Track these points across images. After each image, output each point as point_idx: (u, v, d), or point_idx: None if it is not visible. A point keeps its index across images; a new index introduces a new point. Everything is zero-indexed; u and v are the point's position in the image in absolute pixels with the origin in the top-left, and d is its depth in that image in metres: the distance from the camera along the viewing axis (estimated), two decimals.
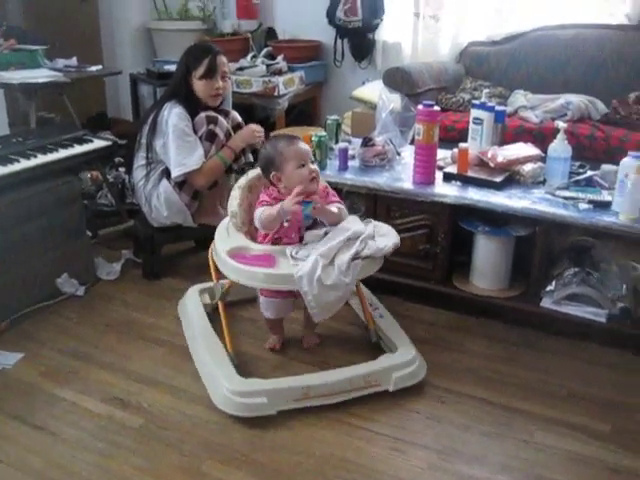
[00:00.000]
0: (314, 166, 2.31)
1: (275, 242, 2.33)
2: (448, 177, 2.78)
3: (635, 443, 2.06)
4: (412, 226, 2.77)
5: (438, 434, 2.09)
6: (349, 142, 3.15)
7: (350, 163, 2.95)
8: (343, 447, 2.02)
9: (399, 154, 3.04)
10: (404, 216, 2.77)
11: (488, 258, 2.71)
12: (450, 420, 2.15)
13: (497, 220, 2.66)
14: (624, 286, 2.63)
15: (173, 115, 2.83)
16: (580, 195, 2.59)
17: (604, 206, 2.52)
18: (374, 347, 2.47)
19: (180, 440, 2.04)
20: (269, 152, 2.32)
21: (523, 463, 1.98)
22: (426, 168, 2.73)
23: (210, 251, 2.48)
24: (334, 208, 2.32)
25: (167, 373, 2.37)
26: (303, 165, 2.27)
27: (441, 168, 2.84)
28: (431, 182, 2.74)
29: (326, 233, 2.28)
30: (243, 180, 2.48)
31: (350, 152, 2.97)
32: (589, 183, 2.72)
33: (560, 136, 2.74)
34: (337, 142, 3.09)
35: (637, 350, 2.50)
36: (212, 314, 2.57)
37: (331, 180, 2.75)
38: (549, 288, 2.64)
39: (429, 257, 2.77)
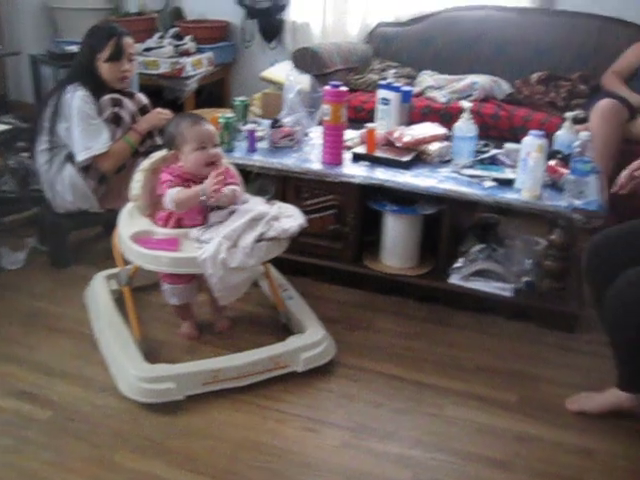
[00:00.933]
0: (215, 150, 2.29)
1: (178, 225, 2.29)
2: (356, 157, 2.79)
3: (539, 411, 2.14)
4: (321, 207, 2.77)
5: (350, 412, 2.11)
6: (257, 123, 3.12)
7: (259, 145, 2.92)
8: (256, 429, 2.02)
9: (307, 135, 3.03)
10: (313, 197, 2.77)
11: (397, 237, 2.74)
12: (362, 398, 2.17)
13: (405, 199, 2.69)
14: (528, 261, 2.71)
15: (77, 98, 2.74)
16: (484, 173, 2.64)
17: (507, 184, 2.59)
18: (284, 329, 2.47)
19: (91, 432, 1.99)
20: (171, 130, 2.32)
21: (435, 437, 2.01)
22: (334, 149, 2.73)
23: (114, 236, 2.41)
24: (226, 190, 2.27)
25: (76, 363, 2.31)
26: (203, 148, 2.25)
27: (349, 148, 2.85)
28: (339, 163, 2.75)
29: (231, 213, 2.26)
30: (146, 163, 2.43)
31: (259, 134, 2.95)
32: (493, 161, 2.78)
33: (465, 115, 2.79)
34: (245, 124, 3.06)
35: (541, 322, 2.59)
36: (119, 301, 2.50)
37: (239, 162, 2.73)
38: (456, 265, 2.70)
39: (339, 237, 2.79)
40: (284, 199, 2.70)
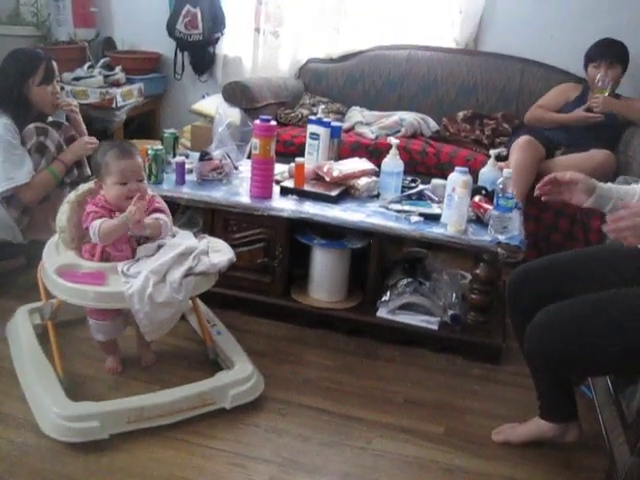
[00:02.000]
0: (136, 186, 2.22)
1: (105, 259, 2.25)
2: (285, 191, 2.80)
3: (465, 443, 2.16)
4: (250, 240, 2.77)
5: (278, 446, 2.09)
6: (186, 156, 3.11)
7: (188, 177, 2.90)
8: (182, 466, 1.98)
9: (236, 168, 3.03)
10: (242, 230, 2.77)
11: (325, 270, 2.75)
12: (289, 432, 2.16)
13: (333, 233, 2.71)
14: (454, 294, 2.75)
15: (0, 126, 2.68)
16: (412, 208, 2.69)
17: (434, 218, 2.64)
18: (213, 364, 2.43)
19: (8, 471, 1.91)
20: (97, 159, 2.27)
21: (362, 470, 2.01)
22: (263, 182, 2.74)
23: (39, 269, 2.35)
24: (149, 220, 2.24)
25: None
26: (124, 183, 2.21)
27: (278, 182, 2.86)
28: (268, 196, 2.75)
29: (160, 247, 2.23)
30: (72, 195, 2.37)
31: (188, 166, 2.93)
32: (420, 197, 2.83)
33: (392, 151, 2.84)
34: (174, 156, 3.05)
35: (467, 354, 2.63)
36: (44, 335, 2.42)
37: (168, 194, 2.71)
38: (384, 298, 2.72)
39: (267, 271, 2.78)
40: (212, 232, 2.69)
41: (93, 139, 2.94)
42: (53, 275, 2.15)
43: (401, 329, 2.68)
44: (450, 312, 2.69)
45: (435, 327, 2.67)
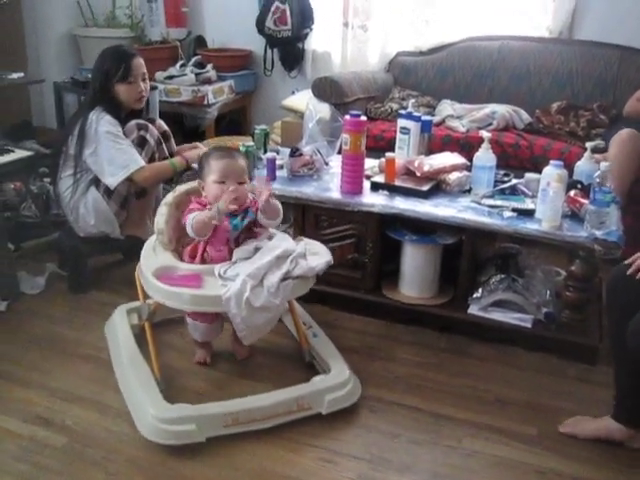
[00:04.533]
0: (234, 186, 2.21)
1: (204, 260, 2.28)
2: (375, 186, 2.80)
3: (559, 445, 2.11)
4: (340, 235, 2.77)
5: (368, 443, 2.09)
6: (277, 152, 3.14)
7: (278, 173, 2.94)
8: (273, 460, 2.01)
9: (327, 164, 3.04)
10: (332, 226, 2.78)
11: (416, 266, 2.73)
12: (380, 429, 2.16)
13: (424, 229, 2.69)
14: (548, 292, 2.69)
15: (103, 122, 2.79)
16: (504, 203, 2.63)
17: (527, 214, 2.58)
18: (308, 366, 2.44)
19: (106, 458, 1.99)
20: (202, 160, 2.32)
21: (452, 469, 2.00)
22: (353, 178, 2.74)
23: (137, 270, 2.39)
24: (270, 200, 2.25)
25: (92, 389, 2.31)
26: (223, 182, 2.22)
27: (369, 177, 2.86)
28: (359, 192, 2.75)
29: (257, 249, 2.22)
30: (170, 197, 2.39)
31: (278, 162, 2.97)
32: (513, 191, 2.77)
33: (485, 145, 2.79)
34: (265, 152, 3.09)
35: (561, 354, 2.56)
36: (141, 335, 2.45)
37: None
38: (476, 295, 2.69)
39: (358, 266, 2.79)
40: (303, 228, 2.71)
41: None
42: (150, 277, 2.17)
43: (493, 327, 2.63)
44: (544, 310, 2.63)
45: (529, 325, 2.61)
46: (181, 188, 2.43)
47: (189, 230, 2.21)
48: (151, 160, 2.90)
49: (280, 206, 2.31)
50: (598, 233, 2.41)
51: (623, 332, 1.89)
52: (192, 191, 2.39)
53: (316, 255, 2.27)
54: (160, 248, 2.33)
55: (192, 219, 2.19)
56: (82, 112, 2.91)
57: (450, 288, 2.79)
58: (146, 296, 2.34)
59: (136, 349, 2.40)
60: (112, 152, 2.78)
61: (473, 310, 2.67)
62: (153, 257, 2.30)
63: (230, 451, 2.03)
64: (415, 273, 2.74)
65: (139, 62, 2.91)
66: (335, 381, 2.23)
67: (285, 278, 2.13)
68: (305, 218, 2.80)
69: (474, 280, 2.75)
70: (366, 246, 2.75)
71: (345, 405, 2.21)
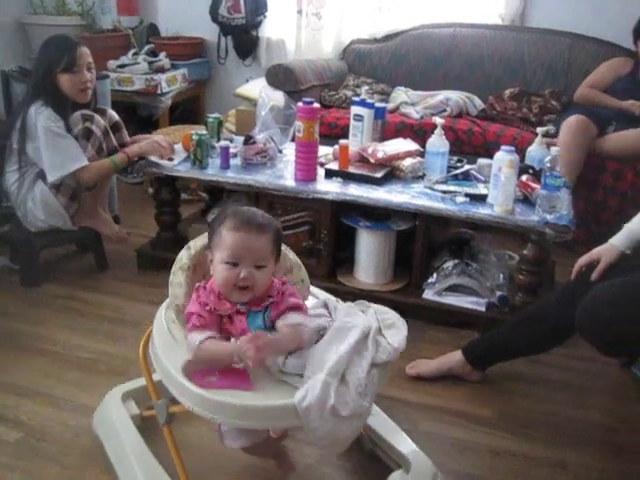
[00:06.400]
0: (247, 273, 1.53)
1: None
2: (329, 173, 2.80)
3: (515, 425, 2.14)
4: (295, 223, 2.77)
5: None
6: (231, 140, 3.13)
7: (232, 161, 2.92)
8: None
9: (280, 152, 3.04)
10: (287, 213, 2.77)
11: (370, 253, 2.74)
12: None
13: (378, 215, 2.70)
14: (501, 275, 2.73)
15: (42, 117, 2.70)
16: (457, 189, 2.66)
17: (480, 199, 2.60)
18: (368, 456, 1.98)
19: (61, 452, 1.96)
20: (214, 222, 1.64)
21: None
22: (307, 165, 2.73)
23: (142, 349, 1.81)
24: (283, 331, 1.55)
25: (47, 383, 2.27)
26: (235, 265, 1.55)
27: (323, 165, 2.86)
28: (313, 179, 2.75)
29: (320, 330, 1.61)
30: (184, 258, 1.72)
31: (232, 150, 2.94)
32: (466, 177, 2.79)
33: (437, 131, 2.81)
34: (219, 140, 3.06)
35: None
36: (143, 426, 1.95)
37: (213, 179, 2.73)
38: (430, 280, 2.71)
39: (313, 254, 2.79)
40: None
41: (164, 141, 2.97)
42: (177, 377, 1.49)
43: (448, 311, 2.66)
44: (498, 293, 2.66)
45: (483, 309, 2.64)
46: (196, 244, 1.74)
47: (192, 356, 1.52)
48: (99, 151, 2.84)
49: (304, 327, 1.57)
50: (549, 217, 2.44)
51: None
52: (204, 258, 1.72)
53: (391, 328, 1.66)
54: (178, 328, 1.63)
55: (197, 345, 1.50)
56: (24, 104, 2.81)
57: (405, 274, 2.80)
58: (159, 395, 1.78)
59: (149, 455, 1.80)
60: (50, 150, 2.71)
61: (428, 295, 2.69)
62: (173, 344, 1.59)
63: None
64: (370, 259, 2.75)
65: (84, 51, 2.82)
66: None
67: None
68: (259, 206, 2.78)
69: (428, 265, 2.77)
70: (321, 233, 2.75)
71: None
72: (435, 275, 2.71)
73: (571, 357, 2.46)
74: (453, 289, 2.69)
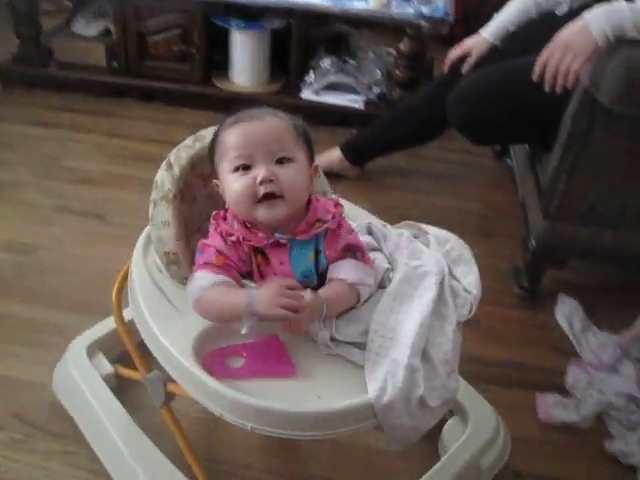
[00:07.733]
0: (271, 170, 1.02)
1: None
2: None
3: (391, 217, 2.19)
4: (165, 27, 2.63)
5: None
6: None
7: None
8: None
9: None
10: (154, 16, 2.62)
11: (245, 54, 2.66)
12: None
13: (252, 15, 2.60)
14: (379, 72, 2.73)
15: None
16: None
17: None
18: None
19: None
20: (212, 140, 1.13)
21: None
22: None
23: (115, 296, 1.28)
24: (340, 286, 1.04)
25: None
26: (246, 167, 1.04)
27: None
28: None
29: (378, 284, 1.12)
30: (167, 182, 1.12)
31: None
32: None
33: None
34: None
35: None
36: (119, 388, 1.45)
37: None
38: (308, 79, 2.68)
39: (186, 58, 2.68)
40: (125, 22, 2.54)
41: None
42: (191, 365, 0.97)
43: (327, 110, 2.67)
44: (376, 90, 2.67)
45: (361, 106, 2.65)
46: (179, 157, 1.15)
47: (195, 306, 1.03)
48: None
49: (362, 284, 1.05)
50: (425, 9, 2.42)
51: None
52: (198, 158, 1.16)
53: (459, 263, 1.18)
54: (173, 285, 1.11)
55: (199, 290, 1.02)
56: None
57: (282, 74, 2.76)
58: (149, 365, 1.25)
59: (133, 426, 1.33)
60: None
61: (306, 95, 2.68)
62: (175, 314, 1.07)
63: None
64: (245, 61, 2.68)
65: None
66: (484, 436, 1.35)
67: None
68: (125, 10, 2.61)
69: (306, 65, 2.72)
70: (192, 36, 2.63)
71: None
72: (312, 74, 2.68)
73: (447, 150, 2.53)
74: (331, 87, 2.67)
